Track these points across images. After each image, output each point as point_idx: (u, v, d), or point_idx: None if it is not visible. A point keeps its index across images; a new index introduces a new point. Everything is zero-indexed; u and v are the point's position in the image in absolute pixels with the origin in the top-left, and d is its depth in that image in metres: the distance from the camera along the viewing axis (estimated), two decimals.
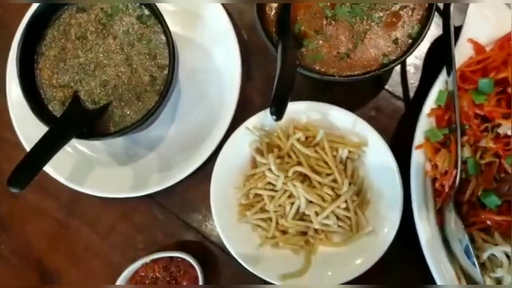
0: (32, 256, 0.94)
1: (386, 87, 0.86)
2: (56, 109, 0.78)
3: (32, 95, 0.76)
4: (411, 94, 0.85)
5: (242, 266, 0.84)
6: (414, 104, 0.81)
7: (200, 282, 0.82)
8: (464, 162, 0.69)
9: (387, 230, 0.75)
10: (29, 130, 0.85)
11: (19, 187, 0.62)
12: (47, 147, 0.69)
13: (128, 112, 0.77)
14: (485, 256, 0.67)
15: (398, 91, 0.86)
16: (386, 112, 0.85)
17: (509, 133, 0.67)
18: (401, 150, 0.76)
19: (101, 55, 0.77)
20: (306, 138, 0.78)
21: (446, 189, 0.70)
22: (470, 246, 0.67)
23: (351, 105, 0.79)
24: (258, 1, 0.70)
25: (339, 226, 0.77)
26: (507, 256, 0.66)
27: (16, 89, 0.81)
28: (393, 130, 0.84)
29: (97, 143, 0.90)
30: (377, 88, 0.86)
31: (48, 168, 0.87)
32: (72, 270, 0.93)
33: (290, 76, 0.62)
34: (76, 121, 0.74)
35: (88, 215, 0.93)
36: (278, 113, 0.58)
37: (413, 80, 0.85)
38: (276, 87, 0.59)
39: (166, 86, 0.73)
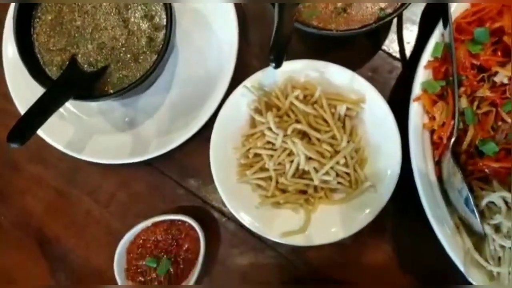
0: (32, 226, 0.94)
1: (383, 47, 0.87)
2: (54, 73, 0.78)
3: (30, 59, 0.76)
4: (408, 53, 0.86)
5: (243, 229, 0.85)
6: (411, 63, 0.82)
7: (202, 244, 0.82)
8: (462, 113, 0.70)
9: (386, 185, 0.75)
10: (26, 97, 0.84)
11: (19, 142, 0.62)
12: (45, 106, 0.69)
13: (126, 74, 0.77)
14: (483, 203, 0.68)
15: (395, 50, 0.86)
16: (383, 72, 0.86)
17: (505, 81, 0.67)
18: (398, 108, 0.77)
19: (98, 18, 0.77)
20: (305, 96, 0.78)
21: (444, 141, 0.70)
22: (469, 195, 0.68)
23: (348, 66, 0.78)
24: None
25: (338, 182, 0.77)
26: (505, 202, 0.67)
27: (13, 54, 0.81)
28: (391, 88, 0.84)
29: (95, 110, 0.90)
30: (374, 48, 0.86)
31: (47, 137, 0.87)
32: (72, 239, 0.93)
33: (287, 28, 0.62)
34: (73, 83, 0.74)
35: (87, 184, 0.93)
36: (277, 60, 0.58)
37: (410, 39, 0.85)
38: (275, 37, 0.60)
39: (164, 45, 0.73)
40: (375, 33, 0.85)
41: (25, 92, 0.83)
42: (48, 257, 0.94)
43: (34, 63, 0.77)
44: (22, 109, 0.86)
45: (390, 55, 0.86)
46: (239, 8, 0.84)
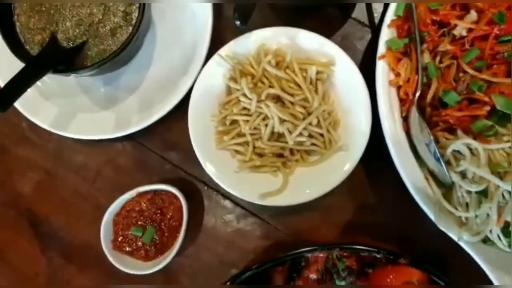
0: (22, 206, 0.97)
1: (353, 15, 0.90)
2: (35, 51, 0.81)
3: (12, 39, 0.79)
4: (377, 20, 0.89)
5: (226, 198, 0.89)
6: (379, 29, 0.84)
7: (184, 211, 0.85)
8: (425, 68, 0.73)
9: (357, 144, 0.78)
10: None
11: (3, 107, 0.66)
12: (25, 79, 0.72)
13: (104, 48, 0.80)
14: (448, 152, 0.71)
15: (365, 18, 0.89)
16: (354, 39, 0.89)
17: (464, 33, 0.70)
18: (369, 72, 0.80)
19: None
20: (277, 63, 0.81)
21: (410, 96, 0.73)
22: (435, 146, 0.71)
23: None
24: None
25: (312, 144, 0.80)
26: (469, 149, 0.70)
27: None
28: (361, 54, 0.87)
29: (78, 90, 0.93)
30: (344, 17, 0.89)
31: (32, 118, 0.90)
32: (61, 216, 0.96)
33: None
34: (52, 58, 0.77)
35: (74, 162, 0.96)
36: (242, 18, 0.61)
37: (378, 6, 0.88)
38: None
39: (139, 17, 0.76)
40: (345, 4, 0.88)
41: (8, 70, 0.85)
42: (39, 235, 0.97)
43: (16, 42, 0.80)
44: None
45: (360, 22, 0.89)
46: None
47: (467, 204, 0.72)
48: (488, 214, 0.70)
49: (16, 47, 0.79)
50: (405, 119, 0.76)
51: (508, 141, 0.68)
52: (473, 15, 0.70)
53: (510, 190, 0.67)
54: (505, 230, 0.71)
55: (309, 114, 0.80)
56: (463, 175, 0.71)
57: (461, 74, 0.71)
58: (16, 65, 0.74)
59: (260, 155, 0.83)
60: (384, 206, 0.87)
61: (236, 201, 0.92)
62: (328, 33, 0.89)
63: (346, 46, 0.88)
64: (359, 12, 0.90)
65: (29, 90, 0.86)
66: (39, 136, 0.96)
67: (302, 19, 0.88)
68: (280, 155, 0.83)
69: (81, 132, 0.91)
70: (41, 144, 0.97)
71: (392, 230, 0.86)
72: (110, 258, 0.87)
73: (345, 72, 0.80)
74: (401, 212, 0.85)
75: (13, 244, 0.97)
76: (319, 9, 0.89)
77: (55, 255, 0.96)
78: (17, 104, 0.89)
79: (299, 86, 0.80)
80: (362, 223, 0.88)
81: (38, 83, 0.88)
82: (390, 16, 0.75)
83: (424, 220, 0.76)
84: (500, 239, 0.71)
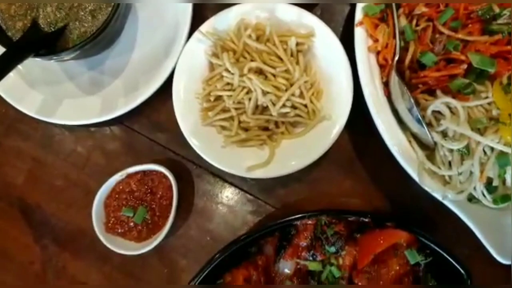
0: (13, 196, 0.97)
1: None
2: (17, 37, 0.81)
3: None
4: None
5: (215, 176, 0.91)
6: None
7: (174, 189, 0.86)
8: (402, 32, 0.74)
9: (341, 112, 0.80)
10: None
11: None
12: (8, 61, 0.73)
13: (85, 30, 0.81)
14: (429, 112, 0.72)
15: None
16: (333, 12, 0.90)
17: None
18: (348, 42, 0.81)
19: None
20: (258, 37, 0.82)
21: (389, 61, 0.74)
22: (415, 107, 0.72)
23: None
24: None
25: (296, 115, 0.81)
26: (449, 108, 0.71)
27: None
28: (341, 26, 0.88)
29: (63, 76, 0.94)
30: None
31: (19, 106, 0.91)
32: (53, 203, 0.96)
33: None
34: (34, 42, 0.78)
35: (63, 149, 0.97)
36: None
37: None
38: None
39: None
40: None
41: None
42: (32, 224, 0.97)
43: None
44: None
45: None
46: None
47: (450, 163, 0.73)
48: (471, 172, 0.71)
49: None
50: (386, 85, 0.77)
51: (486, 98, 0.69)
52: None
53: (490, 145, 0.68)
54: (489, 186, 0.72)
55: (292, 85, 0.80)
56: (444, 134, 0.72)
57: (437, 35, 0.73)
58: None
59: (246, 129, 0.84)
60: (371, 174, 0.88)
61: (225, 178, 0.93)
62: (307, 7, 0.90)
63: (326, 19, 0.89)
64: None
65: (14, 78, 0.88)
66: (27, 125, 0.97)
67: None
68: (266, 129, 0.84)
69: (68, 118, 0.91)
70: (29, 133, 0.98)
71: (380, 196, 0.88)
72: (104, 241, 0.87)
73: (325, 42, 0.81)
74: (387, 178, 0.86)
75: (6, 234, 0.97)
76: None
77: (49, 242, 0.97)
78: (2, 93, 0.89)
79: (280, 58, 0.81)
80: (350, 192, 0.89)
81: (22, 70, 0.89)
82: None
83: (410, 183, 0.77)
84: (484, 195, 0.72)
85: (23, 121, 0.95)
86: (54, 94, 0.92)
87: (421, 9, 0.72)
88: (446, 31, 0.71)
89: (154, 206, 0.88)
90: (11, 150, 0.98)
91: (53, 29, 0.80)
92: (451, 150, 0.71)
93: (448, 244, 0.81)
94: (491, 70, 0.68)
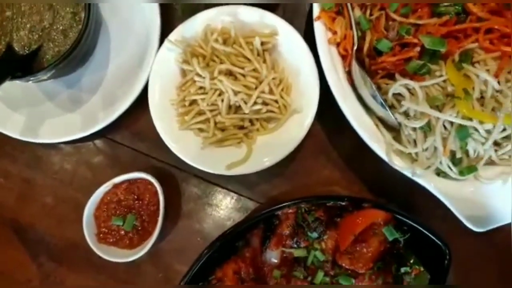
0: (5, 217, 1.00)
1: None
2: None
3: None
4: None
5: (199, 178, 0.95)
6: None
7: (160, 194, 0.89)
8: (358, 23, 0.78)
9: (310, 103, 0.84)
10: None
11: None
12: None
13: (59, 50, 0.84)
14: (390, 95, 0.76)
15: None
16: (295, 11, 0.94)
17: None
18: (312, 36, 0.85)
19: (24, 4, 0.84)
20: (224, 40, 0.86)
21: (349, 51, 0.79)
22: (377, 92, 0.76)
23: None
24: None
25: (269, 111, 0.85)
26: (408, 90, 0.75)
27: None
28: (304, 23, 0.92)
29: (43, 97, 0.97)
30: None
31: (3, 130, 0.94)
32: (44, 220, 0.99)
33: None
34: (9, 65, 0.81)
35: (50, 167, 1.00)
36: None
37: None
38: None
39: (86, 14, 0.81)
40: None
41: None
42: (26, 243, 1.00)
43: None
44: None
45: None
46: None
47: (414, 141, 0.77)
48: (435, 147, 0.75)
49: None
50: (349, 73, 0.81)
51: (440, 76, 0.73)
52: None
53: (449, 120, 0.72)
54: (454, 159, 0.76)
55: (261, 83, 0.84)
56: (406, 114, 0.77)
57: (390, 23, 0.77)
58: None
59: (222, 130, 0.87)
60: (346, 161, 0.92)
61: (209, 179, 0.96)
62: (270, 8, 0.94)
63: (289, 17, 0.93)
64: None
65: None
66: (12, 147, 0.99)
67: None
68: (241, 127, 0.88)
69: (52, 137, 0.95)
70: (15, 154, 1.00)
71: (357, 180, 0.92)
72: (97, 251, 0.90)
73: (289, 39, 0.85)
74: (362, 162, 0.90)
75: (2, 255, 1.00)
76: None
77: (45, 259, 0.99)
78: None
79: (247, 58, 0.85)
80: (329, 180, 0.93)
81: (2, 93, 0.93)
82: None
83: (382, 164, 0.81)
84: (450, 168, 0.76)
85: (9, 143, 0.98)
86: (36, 115, 0.96)
87: None
88: (397, 18, 0.76)
89: (142, 212, 0.91)
90: (0, 172, 1.00)
91: (27, 51, 0.84)
92: (414, 129, 0.75)
93: (426, 219, 0.85)
94: (442, 50, 0.73)
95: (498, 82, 0.72)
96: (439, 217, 0.84)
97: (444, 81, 0.73)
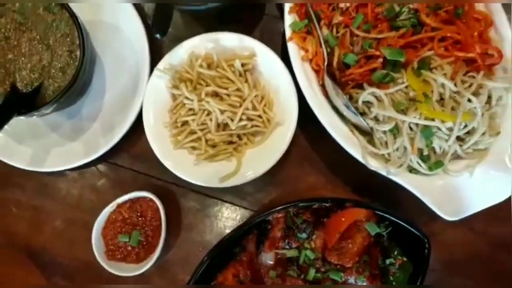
0: (19, 243, 1.07)
1: (266, 12, 1.04)
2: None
3: None
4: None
5: (196, 192, 1.02)
6: None
7: (161, 209, 0.97)
8: (326, 41, 0.87)
9: (291, 116, 0.92)
10: None
11: None
12: None
13: (59, 85, 0.93)
14: (360, 103, 0.85)
15: (276, 12, 1.03)
16: (271, 32, 1.03)
17: (348, 4, 0.85)
18: (286, 57, 0.93)
19: (24, 47, 0.93)
20: (209, 65, 0.95)
21: (321, 66, 0.87)
22: (348, 102, 0.85)
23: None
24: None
25: (254, 125, 0.94)
26: (375, 97, 0.84)
27: None
28: (280, 43, 1.01)
29: (46, 129, 1.05)
30: (259, 16, 1.04)
31: (11, 162, 1.02)
32: (56, 243, 1.07)
33: (167, 6, 0.79)
34: (15, 104, 0.90)
35: (57, 193, 1.08)
36: (161, 30, 0.75)
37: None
38: (155, 12, 0.76)
39: (81, 52, 0.89)
40: (258, 5, 1.03)
41: None
42: (40, 266, 1.07)
43: None
44: None
45: (273, 16, 1.04)
46: (142, 12, 1.01)
47: (386, 143, 0.85)
48: (404, 147, 0.84)
49: None
50: (323, 86, 0.89)
51: (403, 83, 0.82)
52: None
53: (414, 121, 0.80)
54: (422, 157, 0.85)
55: (244, 101, 0.93)
56: (376, 119, 0.85)
57: (354, 38, 0.86)
58: None
59: (213, 146, 0.96)
60: (328, 166, 1.01)
61: (205, 193, 1.04)
62: (248, 32, 1.03)
63: (266, 38, 1.02)
64: (272, 8, 1.05)
65: (2, 137, 0.99)
66: (21, 177, 1.07)
67: (225, 25, 1.01)
68: (230, 142, 0.97)
69: (57, 165, 1.02)
70: (24, 184, 1.08)
71: (340, 183, 1.00)
72: (107, 268, 0.97)
73: (267, 59, 0.94)
74: (343, 166, 0.98)
75: (18, 279, 1.07)
76: (236, 14, 1.03)
77: (59, 279, 1.06)
78: None
79: (231, 80, 0.94)
80: (315, 185, 1.01)
81: (9, 129, 1.01)
82: (288, 4, 0.89)
83: (361, 166, 0.89)
84: (420, 165, 0.84)
85: (17, 174, 1.06)
86: (41, 146, 1.04)
87: (337, 18, 0.85)
88: (360, 33, 0.84)
89: (146, 228, 0.99)
90: (10, 202, 1.09)
91: (30, 89, 0.92)
92: (384, 132, 0.84)
93: (409, 213, 0.93)
94: (402, 59, 0.81)
95: (455, 84, 0.80)
96: (421, 209, 0.90)
97: (406, 87, 0.81)
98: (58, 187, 1.08)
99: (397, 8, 0.83)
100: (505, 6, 0.87)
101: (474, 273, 0.98)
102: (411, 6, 0.81)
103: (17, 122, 0.95)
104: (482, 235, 0.98)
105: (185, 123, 0.96)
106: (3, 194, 1.09)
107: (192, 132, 0.95)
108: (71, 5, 0.90)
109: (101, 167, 1.06)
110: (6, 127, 0.88)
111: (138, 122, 0.99)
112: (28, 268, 1.07)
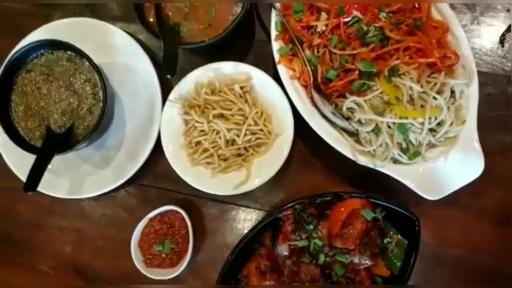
0: (66, 263, 1.23)
1: (256, 38, 1.20)
2: (38, 143, 1.08)
3: (19, 140, 1.08)
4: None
5: (214, 200, 1.17)
6: None
7: (186, 218, 1.12)
8: (309, 60, 1.03)
9: (288, 127, 1.07)
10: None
11: (32, 190, 0.94)
12: (41, 164, 1.00)
13: (88, 124, 1.09)
14: (344, 110, 1.00)
15: (265, 37, 1.19)
16: (263, 55, 1.18)
17: (323, 28, 1.00)
18: (278, 77, 1.08)
19: (54, 94, 1.09)
20: (212, 91, 1.11)
21: (308, 82, 1.03)
22: (334, 110, 1.00)
23: (238, 60, 1.11)
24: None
25: (258, 138, 1.10)
26: (356, 103, 0.99)
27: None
28: (271, 64, 1.16)
29: (79, 162, 1.21)
30: (250, 42, 1.19)
31: (50, 193, 1.18)
32: (98, 259, 1.22)
33: (171, 49, 0.95)
34: (53, 144, 1.06)
35: (94, 216, 1.23)
36: (170, 71, 0.91)
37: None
38: (164, 57, 0.92)
39: (104, 94, 1.06)
40: (246, 31, 1.18)
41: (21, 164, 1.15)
42: (87, 280, 1.23)
43: (23, 142, 1.08)
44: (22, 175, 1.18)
45: (262, 41, 1.19)
46: (151, 53, 1.18)
47: (371, 141, 1.00)
48: (386, 143, 0.99)
49: (25, 146, 1.06)
50: (312, 99, 1.05)
51: (377, 89, 0.97)
52: (323, 15, 1.00)
53: (390, 121, 0.96)
54: (403, 149, 1.00)
55: (246, 118, 1.09)
56: (360, 122, 1.00)
57: (333, 56, 1.01)
58: (27, 158, 1.01)
59: (225, 160, 1.12)
60: (326, 166, 1.16)
61: (223, 201, 1.19)
62: (243, 57, 1.19)
63: (259, 61, 1.18)
64: (260, 34, 1.20)
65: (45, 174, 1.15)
66: (61, 205, 1.23)
67: (223, 55, 1.17)
68: (239, 155, 1.12)
69: (92, 191, 1.19)
70: (64, 211, 1.24)
71: (338, 180, 1.15)
72: (147, 275, 1.12)
73: (261, 81, 1.09)
74: (338, 165, 1.13)
75: None
76: (230, 45, 1.19)
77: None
78: (40, 188, 1.17)
79: (233, 101, 1.09)
80: (316, 184, 1.16)
81: (49, 166, 1.17)
82: (274, 32, 1.04)
83: (353, 163, 1.04)
84: (401, 156, 0.99)
85: (58, 203, 1.21)
86: (76, 177, 1.20)
87: (316, 40, 1.00)
88: (337, 51, 0.99)
89: (176, 236, 1.15)
90: (54, 228, 1.25)
91: (63, 130, 1.08)
92: (368, 132, 0.99)
93: (400, 198, 1.07)
94: (374, 70, 0.96)
95: (421, 86, 0.95)
96: (411, 194, 1.03)
97: (381, 92, 0.96)
98: (94, 210, 1.24)
99: (365, 28, 0.98)
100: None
101: (462, 242, 1.13)
102: (376, 24, 0.96)
103: (54, 158, 1.11)
104: (467, 209, 1.12)
105: (198, 143, 1.11)
106: (48, 222, 1.25)
107: (205, 150, 1.11)
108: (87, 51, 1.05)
109: (129, 189, 1.22)
110: None
111: (157, 146, 1.14)
112: (78, 283, 1.23)
